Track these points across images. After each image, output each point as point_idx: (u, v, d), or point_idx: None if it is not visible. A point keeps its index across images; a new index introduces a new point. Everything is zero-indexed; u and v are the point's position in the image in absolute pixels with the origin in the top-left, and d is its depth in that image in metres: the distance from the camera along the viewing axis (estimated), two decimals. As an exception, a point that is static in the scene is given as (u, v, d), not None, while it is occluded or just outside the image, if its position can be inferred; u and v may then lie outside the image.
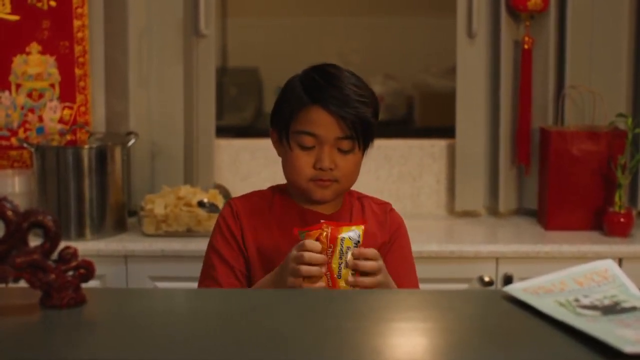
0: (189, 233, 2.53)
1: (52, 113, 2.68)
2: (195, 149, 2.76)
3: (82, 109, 2.69)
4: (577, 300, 1.22)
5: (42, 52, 2.66)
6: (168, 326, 1.19)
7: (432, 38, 4.24)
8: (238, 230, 1.79)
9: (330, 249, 1.60)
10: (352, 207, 1.85)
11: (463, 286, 2.46)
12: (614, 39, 2.71)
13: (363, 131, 1.74)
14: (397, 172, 2.87)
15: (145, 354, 1.09)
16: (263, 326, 1.18)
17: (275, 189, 1.87)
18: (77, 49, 2.66)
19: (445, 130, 2.94)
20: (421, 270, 2.34)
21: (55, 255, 1.22)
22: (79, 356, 1.08)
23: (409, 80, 4.40)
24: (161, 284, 2.43)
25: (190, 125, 2.76)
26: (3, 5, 2.63)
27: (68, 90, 2.68)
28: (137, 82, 2.71)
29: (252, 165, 2.84)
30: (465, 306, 1.28)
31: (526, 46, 2.72)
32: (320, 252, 1.59)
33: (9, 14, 2.64)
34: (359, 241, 1.61)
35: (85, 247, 2.40)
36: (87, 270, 1.23)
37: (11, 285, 1.21)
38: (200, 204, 2.54)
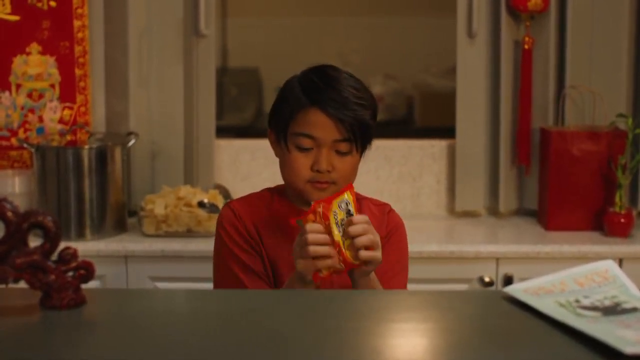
0: (189, 233, 2.53)
1: (52, 113, 2.68)
2: (196, 149, 2.76)
3: (82, 109, 2.69)
4: (577, 300, 1.22)
5: (42, 53, 2.66)
6: (168, 327, 1.19)
7: (432, 38, 4.24)
8: (246, 233, 1.78)
9: (329, 226, 1.61)
10: None
11: (463, 286, 2.46)
12: (614, 39, 2.71)
13: (361, 134, 1.73)
14: (397, 173, 2.86)
15: (145, 354, 1.09)
16: (263, 326, 1.18)
17: (273, 191, 1.87)
18: (77, 49, 2.66)
19: (445, 130, 2.93)
20: (421, 270, 2.35)
21: (55, 256, 1.22)
22: (79, 357, 1.08)
23: (409, 80, 4.40)
24: (161, 285, 2.43)
25: (190, 125, 2.76)
26: (3, 5, 2.63)
27: (68, 90, 2.68)
28: (137, 82, 2.71)
29: (252, 166, 2.84)
30: (465, 307, 1.28)
31: (526, 46, 2.72)
32: (323, 232, 1.60)
33: (9, 14, 2.64)
34: (349, 209, 1.62)
35: (85, 247, 2.40)
36: (87, 271, 1.23)
37: (11, 285, 1.21)
38: (201, 204, 2.54)
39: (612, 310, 1.19)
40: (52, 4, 2.64)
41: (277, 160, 1.83)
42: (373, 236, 1.62)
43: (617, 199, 2.57)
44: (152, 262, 2.44)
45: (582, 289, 1.26)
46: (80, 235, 2.51)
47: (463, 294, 1.71)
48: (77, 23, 2.65)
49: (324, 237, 1.60)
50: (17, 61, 2.66)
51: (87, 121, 2.69)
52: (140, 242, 2.48)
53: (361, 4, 4.45)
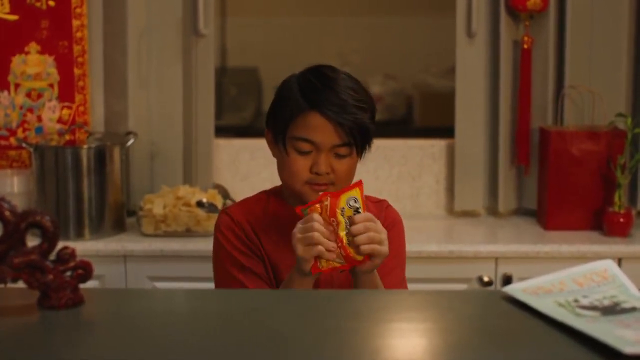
0: (188, 233, 2.53)
1: (51, 113, 2.68)
2: (195, 149, 2.76)
3: (81, 108, 2.69)
4: (576, 300, 1.22)
5: (41, 52, 2.66)
6: (167, 327, 1.19)
7: (432, 38, 4.24)
8: (245, 237, 1.78)
9: (335, 221, 1.61)
10: None
11: (462, 286, 2.46)
12: (613, 39, 2.71)
13: (361, 137, 1.73)
14: (396, 172, 2.86)
15: (144, 354, 1.09)
16: (263, 326, 1.17)
17: (269, 193, 1.86)
18: (76, 48, 2.66)
19: (444, 130, 2.93)
20: (420, 270, 2.35)
21: (53, 256, 1.22)
22: (77, 357, 1.08)
23: (408, 80, 4.40)
24: (160, 284, 2.43)
25: (189, 125, 2.75)
26: (2, 5, 2.63)
27: (67, 90, 2.68)
28: (136, 81, 2.71)
29: (251, 165, 2.84)
30: (464, 306, 1.28)
31: (525, 46, 2.72)
32: (325, 224, 1.61)
33: (8, 13, 2.64)
34: (358, 207, 1.62)
35: (84, 247, 2.40)
36: (85, 271, 1.23)
37: (9, 285, 1.21)
38: (199, 204, 2.54)
39: (611, 310, 1.19)
40: (51, 3, 2.64)
41: (276, 160, 1.83)
42: (376, 233, 1.62)
43: (616, 199, 2.57)
44: (151, 261, 2.44)
45: (581, 289, 1.26)
46: (79, 235, 2.51)
47: (462, 293, 1.71)
48: (76, 22, 2.65)
49: (325, 231, 1.60)
50: (16, 61, 2.66)
51: (86, 121, 2.69)
52: (139, 242, 2.48)
53: (361, 4, 4.45)
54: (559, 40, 2.74)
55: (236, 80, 4.38)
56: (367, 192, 1.94)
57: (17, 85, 2.67)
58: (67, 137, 2.66)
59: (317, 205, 1.63)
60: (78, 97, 2.68)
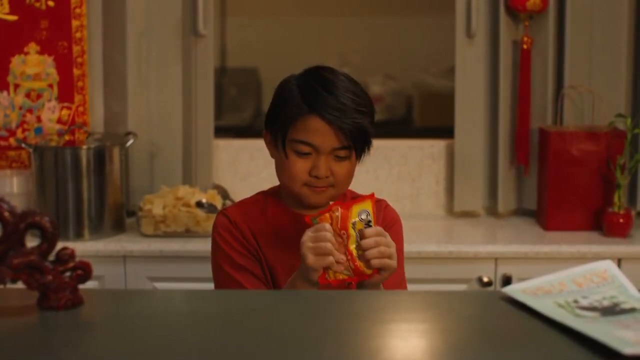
0: (187, 233, 2.53)
1: (51, 113, 2.68)
2: (194, 149, 2.76)
3: (81, 109, 2.69)
4: (576, 301, 1.22)
5: (41, 52, 2.66)
6: (167, 327, 1.19)
7: (432, 38, 4.24)
8: (242, 238, 1.78)
9: (345, 234, 1.61)
10: None
11: (462, 287, 2.46)
12: (613, 39, 2.71)
13: (361, 141, 1.74)
14: (396, 173, 2.86)
15: (143, 355, 1.09)
16: (263, 327, 1.17)
17: (267, 194, 1.86)
18: (76, 49, 2.66)
19: (444, 130, 2.93)
20: (420, 270, 2.35)
21: (52, 256, 1.22)
22: (77, 358, 1.08)
23: (408, 80, 4.40)
24: (160, 285, 2.43)
25: (188, 125, 2.75)
26: (1, 5, 2.63)
27: (66, 90, 2.68)
28: (135, 82, 2.71)
29: (251, 166, 2.84)
30: (464, 307, 1.28)
31: (525, 46, 2.72)
32: (335, 235, 1.61)
33: (7, 14, 2.64)
34: (369, 220, 1.62)
35: (84, 247, 2.40)
36: (84, 271, 1.23)
37: (8, 286, 1.21)
38: (199, 204, 2.54)
39: (611, 310, 1.19)
40: (50, 3, 2.64)
41: (274, 161, 1.83)
42: (386, 247, 1.62)
43: (615, 199, 2.57)
44: (150, 262, 2.44)
45: (580, 290, 1.26)
46: (79, 236, 2.51)
47: (462, 294, 1.71)
48: (75, 23, 2.65)
49: (337, 242, 1.60)
50: (15, 61, 2.65)
51: (86, 121, 2.68)
52: (138, 242, 2.48)
53: (361, 4, 4.45)
54: (559, 40, 2.73)
55: (236, 80, 4.38)
56: (366, 193, 1.95)
57: (16, 86, 2.67)
58: (67, 137, 2.65)
59: (327, 215, 1.62)
60: (77, 98, 2.68)
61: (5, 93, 2.66)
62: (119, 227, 2.57)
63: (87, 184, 2.51)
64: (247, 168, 2.84)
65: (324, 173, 1.73)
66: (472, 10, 2.71)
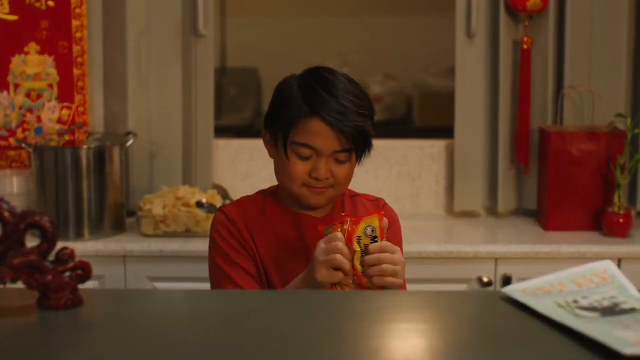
0: (187, 233, 2.53)
1: (51, 113, 2.68)
2: (194, 150, 2.76)
3: (81, 109, 2.69)
4: (576, 301, 1.22)
5: (41, 53, 2.66)
6: (167, 327, 1.19)
7: (432, 38, 4.24)
8: (239, 235, 1.78)
9: (351, 249, 1.61)
10: (344, 207, 1.84)
11: (462, 287, 2.46)
12: (613, 39, 2.71)
13: (362, 143, 1.74)
14: (396, 173, 2.86)
15: (143, 355, 1.09)
16: (263, 327, 1.17)
17: (266, 193, 1.86)
18: (76, 49, 2.66)
19: (444, 130, 2.93)
20: (420, 270, 2.35)
21: (52, 256, 1.22)
22: (76, 358, 1.08)
23: (408, 80, 4.40)
24: (160, 285, 2.43)
25: (189, 125, 2.75)
26: (2, 5, 2.63)
27: (66, 90, 2.68)
28: (135, 82, 2.71)
29: (251, 166, 2.84)
30: (464, 307, 1.28)
31: (525, 46, 2.72)
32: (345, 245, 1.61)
33: (8, 14, 2.64)
34: (375, 236, 1.61)
35: (84, 247, 2.40)
36: (84, 272, 1.23)
37: (8, 286, 1.21)
38: (199, 204, 2.54)
39: (611, 311, 1.18)
40: (51, 3, 2.64)
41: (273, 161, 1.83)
42: (390, 265, 1.60)
43: (616, 199, 2.57)
44: (150, 262, 2.44)
45: (580, 290, 1.25)
46: (79, 236, 2.51)
47: (462, 294, 1.71)
48: (75, 23, 2.65)
49: (348, 252, 1.60)
50: (16, 61, 2.65)
51: (86, 121, 2.69)
52: (138, 242, 2.48)
53: (361, 4, 4.45)
54: (559, 40, 2.73)
55: (236, 80, 4.38)
56: (366, 192, 1.95)
57: (16, 86, 2.67)
58: (67, 137, 2.65)
59: (338, 227, 1.62)
60: (78, 98, 2.68)
61: (5, 93, 2.66)
62: (119, 227, 2.57)
63: (87, 184, 2.51)
64: (247, 168, 2.84)
65: (324, 175, 1.73)
66: (472, 10, 2.71)
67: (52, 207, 2.50)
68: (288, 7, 4.45)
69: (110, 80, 2.70)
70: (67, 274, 1.22)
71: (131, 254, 2.45)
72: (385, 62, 4.43)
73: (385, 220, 1.63)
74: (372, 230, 1.61)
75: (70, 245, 1.25)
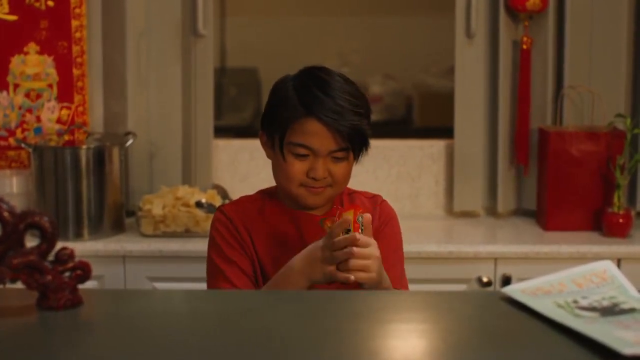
0: (187, 233, 2.52)
1: (50, 113, 2.68)
2: (194, 149, 2.76)
3: (80, 109, 2.69)
4: (575, 301, 1.22)
5: (40, 52, 2.66)
6: (166, 327, 1.19)
7: (432, 38, 4.24)
8: (237, 233, 1.78)
9: None
10: (342, 204, 1.84)
11: (461, 287, 2.46)
12: (613, 39, 2.71)
13: (358, 142, 1.74)
14: (395, 173, 2.86)
15: (143, 355, 1.09)
16: (262, 327, 1.17)
17: (265, 193, 1.86)
18: (75, 49, 2.66)
19: (444, 130, 2.93)
20: (420, 270, 2.35)
21: (52, 256, 1.22)
22: (76, 358, 1.08)
23: (408, 80, 4.40)
24: (159, 285, 2.43)
25: (188, 125, 2.75)
26: (1, 5, 2.63)
27: (66, 90, 2.68)
28: (135, 82, 2.71)
29: (250, 166, 2.84)
30: (463, 307, 1.28)
31: (525, 46, 2.72)
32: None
33: (7, 14, 2.64)
34: (349, 229, 1.60)
35: (83, 247, 2.40)
36: (83, 272, 1.23)
37: (8, 286, 1.21)
38: (198, 204, 2.54)
39: (610, 311, 1.18)
40: (50, 3, 2.64)
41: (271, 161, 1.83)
42: (356, 260, 1.59)
43: (615, 199, 2.57)
44: (150, 262, 2.44)
45: (580, 290, 1.25)
46: (78, 236, 2.51)
47: (461, 294, 1.71)
48: (75, 23, 2.65)
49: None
50: (15, 61, 2.65)
51: (85, 121, 2.68)
52: (138, 242, 2.48)
53: (361, 4, 4.45)
54: (559, 40, 2.73)
55: (236, 80, 4.38)
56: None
57: (16, 86, 2.66)
58: (66, 137, 2.65)
59: (332, 219, 1.63)
60: (77, 98, 2.68)
61: (4, 93, 2.66)
62: (118, 227, 2.57)
63: (87, 184, 2.51)
64: (246, 168, 2.84)
65: (322, 175, 1.73)
66: (471, 10, 2.70)
67: (52, 207, 2.50)
68: (288, 7, 4.45)
69: (109, 80, 2.70)
70: (67, 274, 1.22)
71: (130, 254, 2.45)
72: (385, 62, 4.43)
73: (367, 215, 1.63)
74: (348, 224, 1.60)
75: (70, 245, 1.25)
